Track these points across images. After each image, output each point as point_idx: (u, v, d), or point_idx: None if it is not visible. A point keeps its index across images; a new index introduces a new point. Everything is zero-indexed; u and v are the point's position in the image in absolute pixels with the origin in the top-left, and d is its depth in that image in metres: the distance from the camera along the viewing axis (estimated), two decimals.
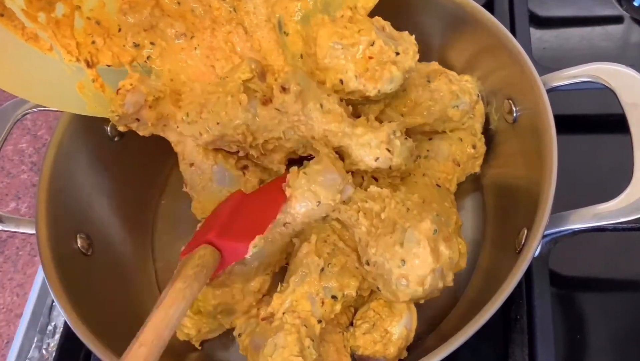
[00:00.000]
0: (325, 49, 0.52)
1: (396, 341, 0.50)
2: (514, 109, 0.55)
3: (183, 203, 0.60)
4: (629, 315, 0.56)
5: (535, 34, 0.74)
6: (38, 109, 0.58)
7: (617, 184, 0.47)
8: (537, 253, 0.46)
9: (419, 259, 0.46)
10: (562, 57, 0.72)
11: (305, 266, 0.50)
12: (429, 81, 0.57)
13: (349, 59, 0.52)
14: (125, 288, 0.58)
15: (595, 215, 0.47)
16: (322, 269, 0.49)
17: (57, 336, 0.65)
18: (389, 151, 0.52)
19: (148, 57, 0.56)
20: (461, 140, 0.58)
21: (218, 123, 0.52)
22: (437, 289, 0.47)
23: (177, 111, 0.54)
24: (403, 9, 0.60)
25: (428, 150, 0.59)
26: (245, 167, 0.57)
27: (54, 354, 0.62)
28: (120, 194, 0.62)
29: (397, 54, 0.52)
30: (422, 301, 0.49)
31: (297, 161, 0.55)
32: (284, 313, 0.48)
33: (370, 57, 0.52)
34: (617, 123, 0.50)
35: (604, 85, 0.51)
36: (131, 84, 0.52)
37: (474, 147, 0.59)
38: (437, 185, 0.57)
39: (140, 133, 0.55)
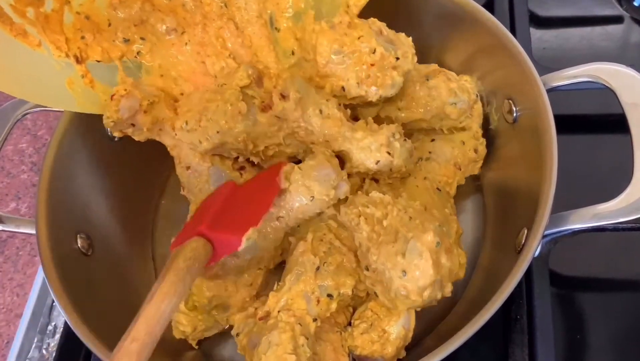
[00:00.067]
0: (326, 57, 0.53)
1: (394, 341, 0.50)
2: (514, 109, 0.55)
3: (183, 204, 0.60)
4: (629, 315, 0.56)
5: (535, 34, 0.74)
6: (38, 109, 0.58)
7: (617, 184, 0.47)
8: (537, 253, 0.46)
9: (420, 271, 0.45)
10: (562, 57, 0.72)
11: (301, 264, 0.50)
12: (427, 79, 0.57)
13: (350, 66, 0.52)
14: (125, 288, 0.58)
15: (595, 215, 0.47)
16: (318, 268, 0.49)
17: (57, 336, 0.66)
18: (389, 153, 0.52)
19: (138, 53, 0.56)
20: (463, 143, 0.58)
21: (218, 132, 0.51)
22: (435, 300, 0.47)
23: (173, 116, 0.54)
24: (403, 9, 0.60)
25: (430, 152, 0.59)
26: (242, 168, 0.57)
27: (54, 354, 0.62)
28: (120, 194, 0.61)
29: (397, 58, 0.52)
30: (418, 309, 0.49)
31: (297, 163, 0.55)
32: (279, 312, 0.48)
33: (371, 64, 0.52)
34: (617, 123, 0.50)
35: (604, 85, 0.51)
36: (125, 90, 0.52)
37: (475, 151, 0.59)
38: (438, 189, 0.57)
39: (136, 138, 0.55)
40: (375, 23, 0.54)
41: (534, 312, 0.54)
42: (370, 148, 0.52)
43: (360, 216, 0.49)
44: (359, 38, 0.52)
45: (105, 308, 0.52)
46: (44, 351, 0.66)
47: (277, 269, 0.56)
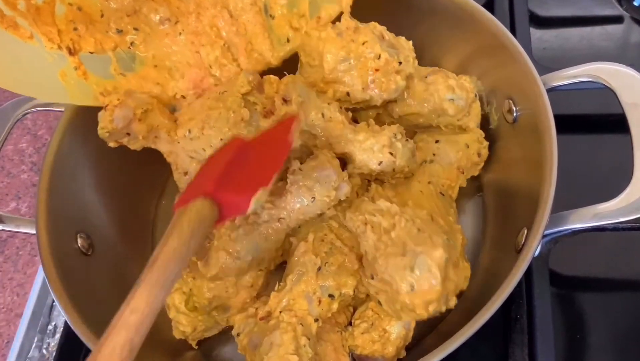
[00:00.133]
0: (333, 64, 0.53)
1: (394, 341, 0.50)
2: (514, 108, 0.55)
3: None
4: (629, 315, 0.56)
5: (535, 34, 0.74)
6: (38, 109, 0.58)
7: (617, 184, 0.47)
8: (537, 252, 0.46)
9: (428, 286, 0.45)
10: (562, 57, 0.72)
11: (302, 265, 0.50)
12: (426, 77, 0.58)
13: (355, 73, 0.53)
14: (125, 288, 0.58)
15: (595, 215, 0.47)
16: (319, 268, 0.49)
17: (57, 336, 0.65)
18: (391, 154, 0.53)
19: (132, 44, 0.55)
20: (468, 147, 0.58)
21: (222, 139, 0.51)
22: (439, 312, 0.47)
23: (168, 123, 0.54)
24: (403, 9, 0.60)
25: (434, 154, 0.59)
26: None
27: (54, 354, 0.62)
28: (120, 194, 0.61)
29: (400, 63, 0.53)
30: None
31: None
32: (280, 312, 0.48)
33: (376, 70, 0.53)
34: (617, 123, 0.50)
35: (604, 85, 0.52)
36: (118, 99, 0.52)
37: (479, 155, 0.59)
38: (441, 193, 0.57)
39: (132, 147, 0.54)
40: (377, 27, 0.54)
41: (534, 312, 0.54)
42: (373, 149, 0.53)
43: (366, 223, 0.49)
44: (363, 44, 0.53)
45: (105, 308, 0.52)
46: (44, 351, 0.66)
47: (277, 270, 0.56)
